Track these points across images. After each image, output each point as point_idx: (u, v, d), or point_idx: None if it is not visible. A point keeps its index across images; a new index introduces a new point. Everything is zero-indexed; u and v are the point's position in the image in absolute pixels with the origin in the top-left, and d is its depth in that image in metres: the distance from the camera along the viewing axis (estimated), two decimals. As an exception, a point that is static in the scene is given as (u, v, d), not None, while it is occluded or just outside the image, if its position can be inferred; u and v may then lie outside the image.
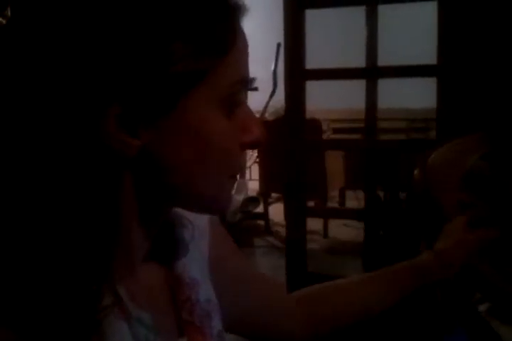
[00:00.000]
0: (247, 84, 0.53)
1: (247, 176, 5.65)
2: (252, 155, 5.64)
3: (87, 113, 0.47)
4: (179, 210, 0.63)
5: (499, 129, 1.53)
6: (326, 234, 4.16)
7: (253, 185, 5.17)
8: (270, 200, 4.62)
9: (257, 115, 5.05)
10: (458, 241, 0.89)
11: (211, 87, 0.50)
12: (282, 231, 3.35)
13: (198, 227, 0.67)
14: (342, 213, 3.24)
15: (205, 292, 0.64)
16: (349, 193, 4.66)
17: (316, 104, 3.87)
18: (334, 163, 4.18)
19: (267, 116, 5.05)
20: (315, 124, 3.86)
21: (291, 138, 2.69)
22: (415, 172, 1.98)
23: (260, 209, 4.58)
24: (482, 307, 0.93)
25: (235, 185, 5.31)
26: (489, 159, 1.50)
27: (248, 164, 5.60)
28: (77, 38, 0.46)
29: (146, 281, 0.58)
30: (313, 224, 3.54)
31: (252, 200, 4.63)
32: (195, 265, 0.64)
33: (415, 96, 4.56)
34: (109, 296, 0.51)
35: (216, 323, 0.64)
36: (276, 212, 4.11)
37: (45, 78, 0.46)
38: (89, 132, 0.47)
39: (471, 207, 1.50)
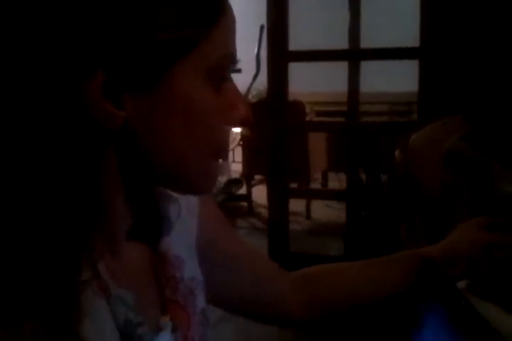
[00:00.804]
0: (234, 59, 0.53)
1: (230, 158, 5.64)
2: (235, 138, 5.63)
3: (70, 80, 0.46)
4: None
5: (479, 110, 1.55)
6: (308, 216, 4.20)
7: (236, 167, 5.17)
8: (253, 182, 4.63)
9: (241, 97, 5.05)
10: (472, 239, 0.82)
11: (199, 59, 0.49)
12: (265, 212, 3.37)
13: (188, 204, 0.66)
14: (324, 194, 3.27)
15: (189, 270, 0.64)
16: (332, 175, 4.69)
17: (299, 87, 3.86)
18: (317, 145, 4.19)
19: (250, 98, 5.03)
20: (298, 106, 3.87)
21: (273, 119, 2.69)
22: (396, 153, 2.01)
23: (243, 191, 4.59)
24: (461, 284, 0.94)
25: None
26: (469, 139, 1.52)
27: (231, 146, 5.60)
28: (61, 2, 0.45)
29: (128, 259, 0.58)
30: (296, 205, 3.57)
31: (235, 182, 4.64)
32: (180, 243, 0.64)
33: (397, 80, 4.57)
34: (87, 271, 0.50)
35: (200, 301, 0.64)
36: (259, 193, 4.13)
37: (27, 43, 0.45)
38: (73, 101, 0.46)
39: (454, 188, 1.52)
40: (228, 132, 0.56)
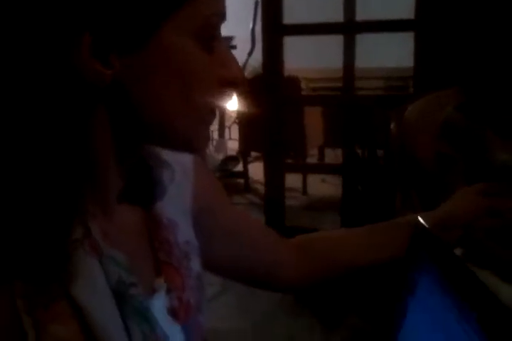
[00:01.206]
0: (223, 18, 0.52)
1: (227, 136, 5.64)
2: (231, 116, 5.61)
3: (58, 40, 0.46)
4: (160, 152, 0.63)
5: (474, 80, 1.54)
6: (304, 191, 4.21)
7: (233, 145, 5.17)
8: (249, 159, 4.63)
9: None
10: (468, 204, 0.83)
11: (186, 18, 0.49)
12: (261, 188, 3.38)
13: (182, 170, 0.67)
14: (320, 168, 3.28)
15: (184, 233, 0.64)
16: (328, 152, 4.69)
17: (294, 63, 3.84)
18: (313, 121, 4.18)
19: (246, 75, 5.00)
20: (293, 82, 3.84)
21: (269, 93, 2.68)
22: (391, 126, 2.01)
23: (240, 168, 4.60)
24: (456, 252, 0.95)
25: (214, 143, 5.33)
26: (463, 110, 1.52)
27: (227, 124, 5.58)
28: None
29: (121, 222, 0.58)
30: (292, 181, 3.58)
31: (232, 159, 4.65)
32: (174, 207, 0.64)
33: (393, 55, 4.54)
34: (79, 231, 0.51)
35: (195, 265, 0.64)
36: (256, 170, 4.14)
37: (15, 4, 0.45)
38: (62, 61, 0.46)
39: (449, 159, 1.53)
40: (220, 92, 0.55)
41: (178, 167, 0.66)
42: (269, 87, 2.75)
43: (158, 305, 0.57)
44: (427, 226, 0.70)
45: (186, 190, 0.67)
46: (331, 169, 2.95)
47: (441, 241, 0.64)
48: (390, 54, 5.03)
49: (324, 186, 4.21)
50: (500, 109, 1.45)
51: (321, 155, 4.77)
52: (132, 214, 0.60)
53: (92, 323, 0.48)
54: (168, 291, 0.59)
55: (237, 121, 5.10)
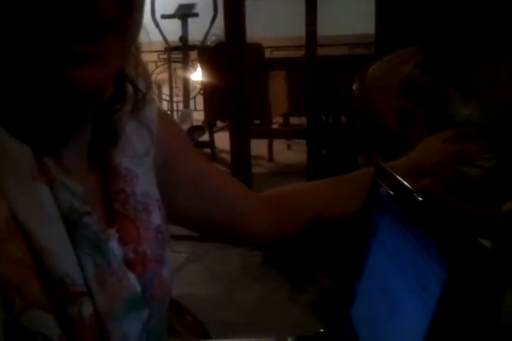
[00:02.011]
0: None
1: (192, 107, 5.58)
2: (195, 86, 5.55)
3: None
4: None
5: (432, 40, 1.55)
6: (270, 158, 4.21)
7: (198, 116, 5.13)
8: (215, 129, 4.61)
9: (198, 43, 4.95)
10: (435, 151, 0.82)
11: None
12: (227, 157, 3.37)
13: (146, 120, 0.64)
14: (285, 133, 3.28)
15: (143, 185, 0.62)
16: (294, 120, 4.69)
17: (257, 31, 3.80)
18: (277, 89, 4.16)
19: (209, 43, 4.93)
20: (257, 49, 3.80)
21: (232, 59, 2.65)
22: (354, 86, 2.02)
23: (206, 137, 4.58)
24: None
25: (179, 114, 5.28)
26: (423, 67, 1.53)
27: (192, 95, 5.52)
28: None
29: (75, 167, 0.55)
30: (258, 149, 3.58)
31: (198, 129, 4.61)
32: (134, 157, 0.62)
33: (356, 22, 4.54)
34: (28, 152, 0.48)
35: (155, 218, 0.62)
36: (222, 140, 4.12)
37: None
38: None
39: (410, 114, 1.54)
40: None
41: (142, 117, 0.64)
42: (232, 53, 2.71)
43: (113, 253, 0.55)
44: (385, 166, 0.70)
45: (149, 142, 0.66)
46: (296, 134, 2.96)
47: (399, 179, 0.64)
48: (353, 21, 5.02)
49: (290, 153, 4.22)
50: (458, 66, 1.47)
51: (286, 122, 4.77)
52: (87, 162, 0.58)
53: (39, 249, 0.47)
54: (123, 243, 0.57)
55: (201, 91, 5.04)
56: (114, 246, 0.55)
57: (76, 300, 0.49)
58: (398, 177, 0.66)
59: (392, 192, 0.66)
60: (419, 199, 0.57)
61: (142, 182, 0.62)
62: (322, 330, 0.79)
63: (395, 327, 0.56)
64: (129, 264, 0.56)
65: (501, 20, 1.41)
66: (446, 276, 0.47)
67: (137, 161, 0.63)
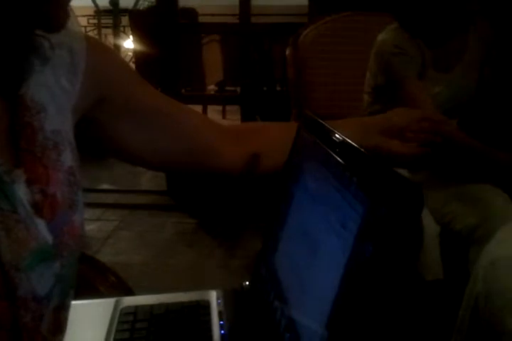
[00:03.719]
0: None
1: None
2: (127, 54, 5.39)
3: None
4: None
5: (406, 13, 1.51)
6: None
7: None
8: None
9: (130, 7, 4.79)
10: (403, 112, 0.83)
11: None
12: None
13: (67, 52, 0.60)
14: (219, 99, 3.23)
15: (54, 122, 0.57)
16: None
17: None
18: (212, 57, 4.10)
19: (141, 8, 4.79)
20: (190, 13, 3.72)
21: (164, 22, 2.57)
22: (287, 51, 2.00)
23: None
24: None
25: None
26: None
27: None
28: None
29: None
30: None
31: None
32: (46, 90, 0.57)
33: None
34: None
35: (66, 159, 0.58)
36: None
37: None
38: None
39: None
40: None
41: (62, 50, 0.59)
42: (164, 16, 2.63)
43: (20, 197, 0.50)
44: (310, 113, 0.69)
45: (71, 76, 0.60)
46: (230, 99, 2.93)
47: (322, 124, 0.63)
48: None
49: (225, 121, 4.21)
50: (432, 40, 1.46)
51: (222, 91, 4.71)
52: None
53: None
54: (30, 184, 0.52)
55: (133, 60, 4.90)
56: (21, 189, 0.51)
57: None
58: (321, 121, 0.64)
59: (314, 136, 0.65)
60: (340, 138, 0.56)
61: (53, 119, 0.57)
62: (247, 283, 0.78)
63: (315, 268, 0.55)
64: (36, 208, 0.51)
65: None
66: (364, 210, 0.46)
67: (49, 95, 0.58)
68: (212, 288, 0.78)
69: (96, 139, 0.70)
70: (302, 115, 0.72)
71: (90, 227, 2.49)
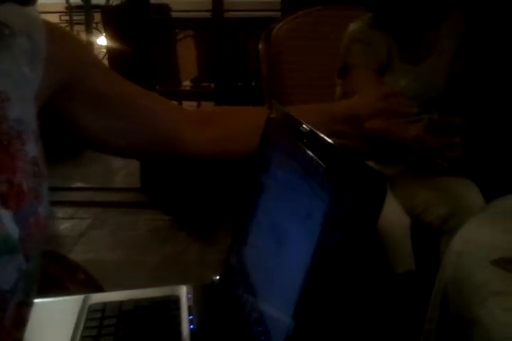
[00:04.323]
0: None
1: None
2: (101, 51, 5.32)
3: None
4: None
5: (379, 5, 1.51)
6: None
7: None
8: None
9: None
10: (367, 98, 0.85)
11: None
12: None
13: (33, 38, 0.58)
14: (194, 95, 3.21)
15: (17, 111, 0.56)
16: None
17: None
18: (187, 54, 4.08)
19: (113, 4, 4.74)
20: (163, 9, 3.69)
21: (135, 17, 2.54)
22: (260, 45, 1.99)
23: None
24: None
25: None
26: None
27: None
28: None
29: None
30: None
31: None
32: (7, 79, 0.56)
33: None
34: None
35: (30, 149, 0.57)
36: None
37: None
38: None
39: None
40: None
41: (22, 37, 0.57)
42: (136, 11, 2.61)
43: None
44: (278, 104, 0.69)
45: (32, 63, 0.59)
46: (204, 95, 2.92)
47: (290, 115, 0.62)
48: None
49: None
50: (404, 32, 1.46)
51: (196, 85, 4.68)
52: None
53: None
54: None
55: (107, 56, 4.85)
56: None
57: None
58: (289, 112, 0.64)
59: (282, 127, 0.65)
60: (307, 129, 0.56)
61: (16, 107, 0.56)
62: (217, 277, 0.77)
63: (282, 259, 0.54)
64: (2, 198, 0.51)
65: None
66: (329, 200, 0.46)
67: (13, 84, 0.57)
68: (187, 283, 0.77)
69: (61, 127, 0.69)
70: (270, 105, 0.72)
71: (64, 226, 2.46)
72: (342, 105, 0.87)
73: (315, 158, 0.51)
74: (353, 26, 1.50)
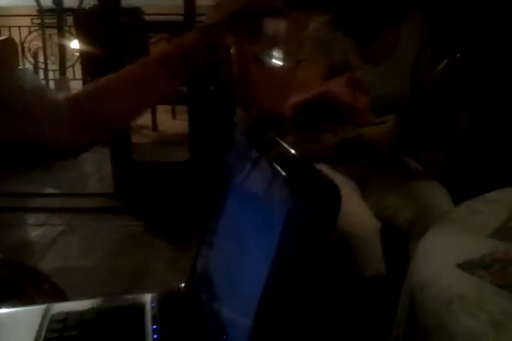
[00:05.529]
0: None
1: (71, 75, 5.30)
2: (74, 54, 5.27)
3: None
4: None
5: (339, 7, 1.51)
6: (155, 128, 4.11)
7: (77, 85, 4.88)
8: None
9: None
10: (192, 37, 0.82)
11: None
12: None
13: None
14: (168, 98, 3.20)
15: None
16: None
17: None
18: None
19: (86, 8, 4.69)
20: (136, 12, 3.67)
21: (106, 21, 2.52)
22: (231, 49, 1.99)
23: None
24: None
25: (55, 83, 4.99)
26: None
27: (71, 63, 5.24)
28: None
29: None
30: (142, 118, 3.47)
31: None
32: None
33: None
34: None
35: None
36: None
37: None
38: None
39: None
40: None
41: None
42: (107, 15, 2.58)
43: None
44: (241, 112, 0.68)
45: None
46: (179, 99, 2.90)
47: (252, 122, 0.62)
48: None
49: (175, 122, 4.16)
50: (364, 34, 1.46)
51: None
52: None
53: None
54: None
55: (80, 60, 4.80)
56: None
57: None
58: (250, 119, 0.64)
59: (244, 135, 0.65)
60: (269, 137, 0.56)
61: None
62: (183, 285, 0.76)
63: (244, 268, 0.54)
64: None
65: None
66: (287, 210, 0.46)
67: None
68: (159, 290, 0.76)
69: None
70: (234, 114, 0.72)
71: (35, 233, 2.42)
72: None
73: (276, 167, 0.50)
74: (310, 26, 1.50)
